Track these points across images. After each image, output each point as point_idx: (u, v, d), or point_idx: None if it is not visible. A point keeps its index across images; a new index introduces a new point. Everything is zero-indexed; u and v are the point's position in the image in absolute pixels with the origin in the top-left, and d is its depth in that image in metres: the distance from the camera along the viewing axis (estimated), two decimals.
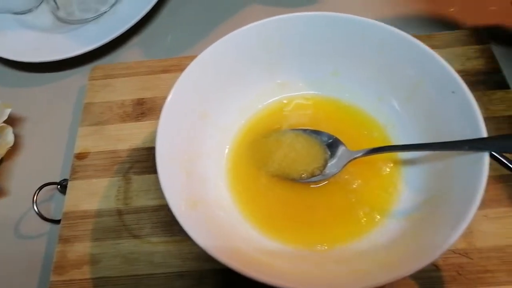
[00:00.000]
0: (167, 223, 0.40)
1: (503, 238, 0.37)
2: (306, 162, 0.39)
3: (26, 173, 0.47)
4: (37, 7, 0.60)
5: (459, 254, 0.37)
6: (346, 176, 0.39)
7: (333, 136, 0.40)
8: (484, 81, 0.46)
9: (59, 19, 0.59)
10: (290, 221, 0.38)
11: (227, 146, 0.42)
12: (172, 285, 0.37)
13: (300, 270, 0.32)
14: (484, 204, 0.38)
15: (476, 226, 0.38)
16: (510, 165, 0.39)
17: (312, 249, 0.35)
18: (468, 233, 0.38)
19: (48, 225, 0.43)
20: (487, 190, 0.39)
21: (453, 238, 0.28)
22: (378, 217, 0.36)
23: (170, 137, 0.35)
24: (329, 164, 0.39)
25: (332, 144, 0.39)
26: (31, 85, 0.54)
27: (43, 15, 0.60)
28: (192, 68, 0.38)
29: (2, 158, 0.48)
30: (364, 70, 0.41)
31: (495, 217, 0.38)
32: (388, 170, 0.39)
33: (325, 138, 0.40)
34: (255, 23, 0.40)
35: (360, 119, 0.42)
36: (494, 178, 0.40)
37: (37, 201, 0.42)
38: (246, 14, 0.58)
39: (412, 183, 0.37)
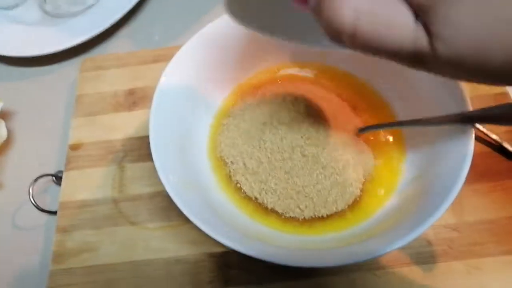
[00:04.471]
0: (163, 208, 0.40)
1: (492, 211, 0.38)
2: None
3: (20, 167, 0.47)
4: (24, 1, 0.60)
5: (450, 228, 0.38)
6: None
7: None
8: None
9: (47, 13, 0.58)
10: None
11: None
12: (169, 269, 0.37)
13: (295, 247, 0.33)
14: (473, 179, 0.40)
15: (466, 200, 0.39)
16: (493, 137, 0.40)
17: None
18: (458, 208, 0.38)
19: (45, 217, 0.43)
20: (476, 166, 0.40)
21: (443, 209, 0.29)
22: (383, 194, 0.37)
23: (162, 122, 0.35)
24: None
25: None
26: (21, 79, 0.54)
27: (30, 9, 0.59)
28: (180, 55, 0.38)
29: None
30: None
31: (484, 192, 0.39)
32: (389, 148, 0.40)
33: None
34: None
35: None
36: (482, 154, 0.41)
37: (33, 193, 0.42)
38: None
39: (408, 160, 0.38)
